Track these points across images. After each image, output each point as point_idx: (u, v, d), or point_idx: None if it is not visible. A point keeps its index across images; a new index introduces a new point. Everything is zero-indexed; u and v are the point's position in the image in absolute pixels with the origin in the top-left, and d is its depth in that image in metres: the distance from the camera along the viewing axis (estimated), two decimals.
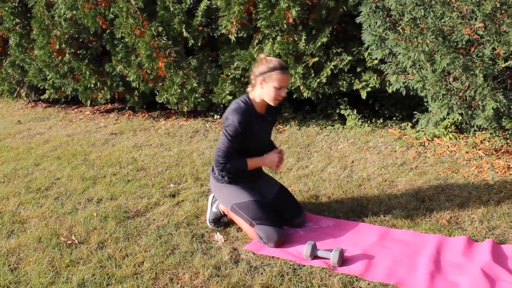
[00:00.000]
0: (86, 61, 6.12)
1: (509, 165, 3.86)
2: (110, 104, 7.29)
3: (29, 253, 2.69)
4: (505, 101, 3.55)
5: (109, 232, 2.91)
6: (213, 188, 2.90)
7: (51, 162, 4.39)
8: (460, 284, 2.24)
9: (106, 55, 6.25)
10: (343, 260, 2.48)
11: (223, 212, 2.96)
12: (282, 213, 2.92)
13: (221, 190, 2.84)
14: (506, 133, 4.13)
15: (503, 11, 3.36)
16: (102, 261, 2.58)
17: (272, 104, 2.73)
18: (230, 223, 3.00)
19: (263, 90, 2.68)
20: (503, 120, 3.78)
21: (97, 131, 5.70)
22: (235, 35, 5.24)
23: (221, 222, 2.99)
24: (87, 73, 6.10)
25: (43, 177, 3.98)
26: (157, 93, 5.93)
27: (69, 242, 2.80)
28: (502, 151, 4.21)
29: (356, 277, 2.35)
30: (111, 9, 5.65)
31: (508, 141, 4.31)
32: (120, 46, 5.81)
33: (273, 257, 2.57)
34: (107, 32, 5.87)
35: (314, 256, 2.53)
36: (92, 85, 6.20)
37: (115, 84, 6.15)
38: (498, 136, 4.30)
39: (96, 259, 2.59)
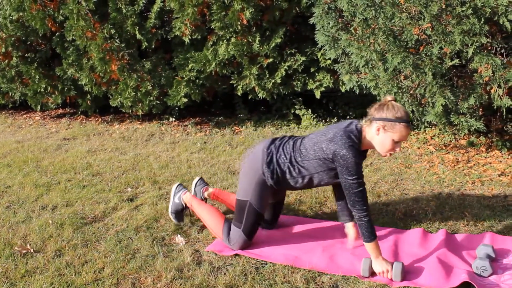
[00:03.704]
0: (35, 65, 5.92)
1: (458, 159, 4.03)
2: (61, 109, 7.08)
3: None
4: (452, 97, 3.71)
5: (66, 239, 2.83)
6: (249, 174, 2.61)
7: (0, 170, 4.21)
8: (419, 274, 2.33)
9: (57, 58, 6.06)
10: (404, 274, 2.34)
11: (185, 204, 2.94)
12: (266, 216, 2.88)
13: (255, 183, 2.59)
14: (454, 128, 4.32)
15: (448, 12, 3.51)
16: (60, 269, 2.50)
17: (381, 155, 2.42)
18: (190, 223, 2.99)
19: (378, 138, 2.35)
20: (451, 116, 3.94)
21: (49, 136, 5.53)
22: (189, 37, 5.22)
23: (183, 215, 2.97)
24: (37, 77, 5.90)
25: None
26: (111, 97, 5.81)
27: (24, 251, 2.70)
28: (451, 146, 4.39)
29: (318, 272, 2.39)
30: (61, 11, 5.49)
31: (456, 136, 4.51)
32: (71, 49, 5.66)
33: (236, 255, 2.58)
34: (56, 34, 5.71)
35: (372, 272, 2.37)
36: (42, 90, 5.99)
37: (66, 88, 5.98)
38: (447, 131, 4.48)
39: (54, 267, 2.51)
